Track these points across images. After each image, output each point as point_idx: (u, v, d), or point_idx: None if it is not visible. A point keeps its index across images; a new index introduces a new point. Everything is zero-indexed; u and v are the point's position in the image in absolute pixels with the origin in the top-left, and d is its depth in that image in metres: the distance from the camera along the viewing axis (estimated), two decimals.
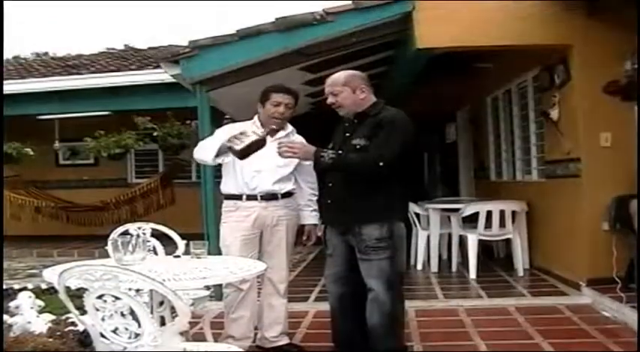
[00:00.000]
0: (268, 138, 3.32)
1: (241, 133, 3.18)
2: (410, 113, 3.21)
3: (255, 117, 3.68)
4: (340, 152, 3.10)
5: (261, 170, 3.56)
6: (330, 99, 3.23)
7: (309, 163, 3.51)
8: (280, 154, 3.09)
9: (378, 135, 3.06)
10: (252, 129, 3.30)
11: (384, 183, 3.08)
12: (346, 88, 3.18)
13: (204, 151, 3.50)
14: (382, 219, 3.10)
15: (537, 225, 6.16)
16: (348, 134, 3.20)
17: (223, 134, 3.47)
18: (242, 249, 3.52)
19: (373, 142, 3.06)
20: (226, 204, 3.66)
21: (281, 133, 3.60)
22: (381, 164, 2.99)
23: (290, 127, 3.73)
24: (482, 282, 5.68)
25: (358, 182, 3.06)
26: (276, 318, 3.71)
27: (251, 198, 3.58)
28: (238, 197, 3.60)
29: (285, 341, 3.74)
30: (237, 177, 3.59)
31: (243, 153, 3.17)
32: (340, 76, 3.23)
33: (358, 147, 3.07)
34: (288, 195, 3.68)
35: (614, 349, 3.61)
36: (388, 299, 3.06)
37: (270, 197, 3.60)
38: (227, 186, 3.66)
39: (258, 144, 3.16)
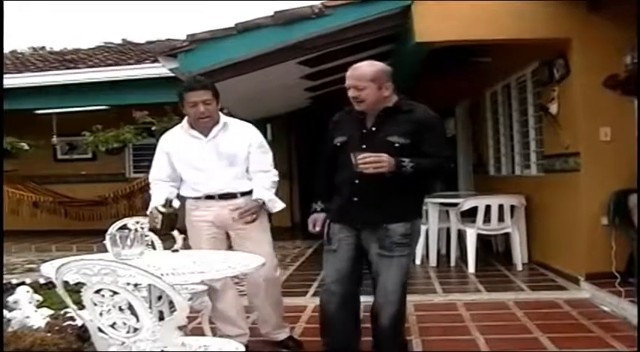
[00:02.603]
0: (204, 140, 3.42)
1: (152, 214, 3.27)
2: None
3: (184, 120, 3.52)
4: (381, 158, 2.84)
5: (210, 170, 3.44)
6: (353, 93, 3.01)
7: (263, 154, 3.50)
8: (363, 170, 2.82)
9: (423, 134, 2.96)
10: (157, 209, 3.24)
11: (413, 181, 2.98)
12: (372, 85, 2.98)
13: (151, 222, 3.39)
14: (408, 216, 3.06)
15: (536, 220, 6.16)
16: (374, 128, 3.02)
17: (160, 158, 3.54)
18: (210, 247, 3.41)
19: (431, 144, 2.96)
20: (188, 202, 3.55)
21: (215, 130, 3.44)
22: (452, 165, 3.03)
23: (223, 119, 3.48)
24: (480, 277, 5.68)
25: (389, 180, 2.89)
26: (263, 317, 3.67)
27: (209, 197, 3.47)
28: (197, 197, 3.49)
29: (284, 335, 3.70)
30: (190, 183, 3.50)
31: (169, 229, 3.32)
32: (368, 69, 3.01)
33: (397, 145, 2.93)
34: (249, 193, 3.50)
35: (613, 343, 3.61)
36: (399, 297, 3.03)
37: (229, 196, 3.45)
38: (186, 191, 3.53)
39: (170, 219, 3.23)
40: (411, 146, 2.94)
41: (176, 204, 3.26)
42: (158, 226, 3.25)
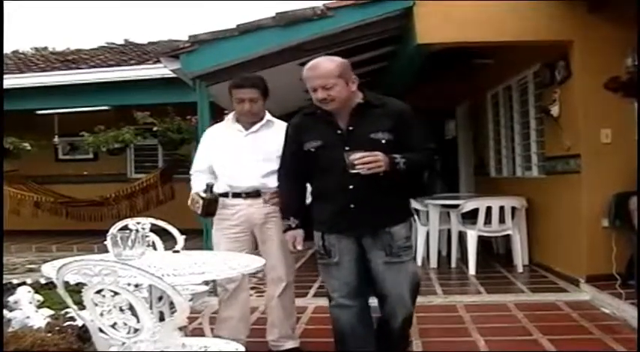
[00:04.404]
0: (244, 133, 3.50)
1: (192, 198, 3.37)
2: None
3: (231, 114, 3.59)
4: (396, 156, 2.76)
5: (242, 163, 3.45)
6: (321, 94, 2.78)
7: None
8: (360, 172, 2.68)
9: (403, 127, 2.83)
10: (198, 194, 3.34)
11: (405, 179, 2.85)
12: (341, 81, 2.79)
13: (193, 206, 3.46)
14: (406, 216, 2.99)
15: (537, 222, 6.16)
16: (351, 127, 2.84)
17: (202, 151, 3.65)
18: (229, 247, 3.42)
19: (412, 136, 2.86)
20: (219, 201, 3.51)
21: (257, 125, 3.50)
22: (436, 158, 2.98)
23: (266, 117, 3.53)
24: (481, 278, 5.68)
25: (384, 181, 2.75)
26: (272, 322, 3.60)
27: (236, 195, 3.47)
28: (225, 195, 3.47)
29: (290, 344, 3.61)
30: (221, 176, 3.51)
31: (207, 215, 3.40)
32: (332, 65, 2.81)
33: (384, 141, 2.79)
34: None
35: (613, 345, 3.61)
36: (410, 301, 2.93)
37: (256, 194, 3.45)
38: (217, 186, 3.51)
39: (209, 204, 3.33)
40: (394, 141, 2.82)
41: (217, 189, 3.35)
42: (198, 211, 3.33)
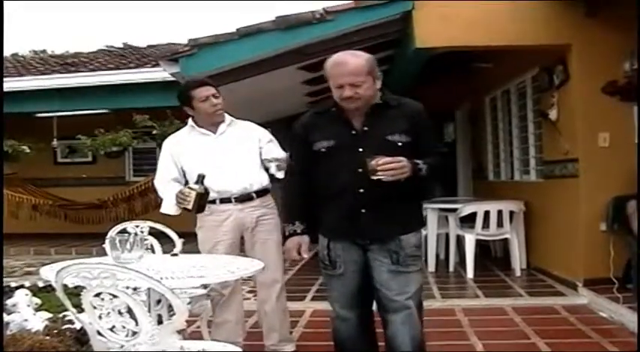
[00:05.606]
0: (213, 136, 3.42)
1: (182, 192, 3.16)
2: None
3: (189, 122, 3.49)
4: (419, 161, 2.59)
5: (222, 166, 3.35)
6: (349, 92, 2.57)
7: (274, 145, 3.44)
8: (382, 178, 2.47)
9: (417, 130, 2.68)
10: (189, 187, 3.16)
11: (418, 185, 2.67)
12: (369, 78, 2.60)
13: (167, 208, 3.36)
14: (419, 224, 2.81)
15: (535, 225, 6.17)
16: (365, 127, 2.66)
17: (167, 162, 3.47)
18: (227, 253, 3.35)
19: (426, 140, 2.70)
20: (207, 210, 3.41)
21: (223, 126, 3.44)
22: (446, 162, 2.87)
23: (228, 117, 3.47)
24: (479, 282, 5.69)
25: (398, 186, 2.53)
26: (271, 326, 3.56)
27: (225, 200, 3.39)
28: (211, 201, 3.31)
29: (288, 348, 3.59)
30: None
31: (198, 209, 3.20)
32: (360, 61, 2.61)
33: (400, 144, 2.60)
34: (264, 193, 3.47)
35: (611, 349, 3.62)
36: (418, 317, 2.72)
37: (245, 198, 3.40)
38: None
39: (202, 197, 3.12)
40: (410, 144, 2.63)
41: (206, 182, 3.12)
42: (189, 206, 3.12)
